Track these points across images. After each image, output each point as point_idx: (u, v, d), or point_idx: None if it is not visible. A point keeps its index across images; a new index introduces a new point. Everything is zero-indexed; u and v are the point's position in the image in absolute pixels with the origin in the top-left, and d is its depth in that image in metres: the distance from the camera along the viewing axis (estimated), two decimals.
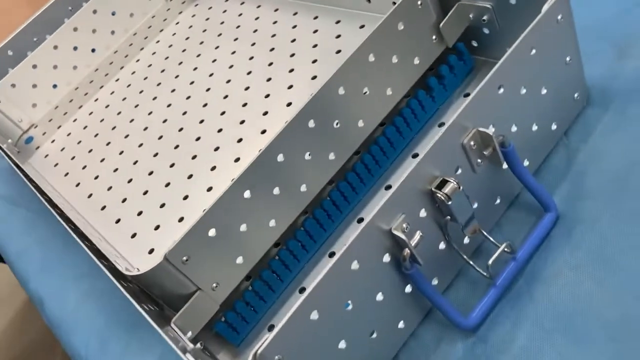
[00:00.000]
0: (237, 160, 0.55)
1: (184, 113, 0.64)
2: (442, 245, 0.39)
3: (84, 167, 0.66)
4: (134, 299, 0.41)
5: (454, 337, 0.39)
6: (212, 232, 0.41)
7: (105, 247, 0.49)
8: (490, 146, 0.38)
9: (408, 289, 0.38)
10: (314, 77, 0.57)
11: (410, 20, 0.47)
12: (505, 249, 0.39)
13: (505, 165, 0.39)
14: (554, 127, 0.44)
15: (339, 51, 0.58)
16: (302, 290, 0.46)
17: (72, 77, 0.80)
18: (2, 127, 0.76)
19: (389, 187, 0.48)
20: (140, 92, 0.71)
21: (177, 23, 0.79)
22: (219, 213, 0.41)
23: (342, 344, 0.36)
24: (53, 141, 0.75)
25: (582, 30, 0.43)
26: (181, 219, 0.53)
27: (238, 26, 0.70)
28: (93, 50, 0.81)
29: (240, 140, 0.56)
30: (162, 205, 0.55)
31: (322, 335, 0.35)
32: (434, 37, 0.49)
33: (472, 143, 0.37)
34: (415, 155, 0.49)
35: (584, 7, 0.48)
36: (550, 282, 0.38)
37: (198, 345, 0.41)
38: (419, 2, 0.47)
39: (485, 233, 0.39)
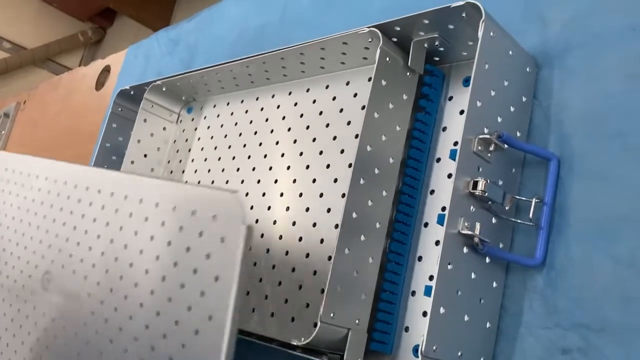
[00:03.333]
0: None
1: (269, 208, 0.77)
2: (494, 220, 0.54)
3: None
4: (313, 356, 0.57)
5: (532, 274, 0.54)
6: (339, 288, 0.56)
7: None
8: (491, 143, 0.53)
9: (487, 260, 0.53)
10: (356, 136, 0.65)
11: (388, 75, 0.61)
12: (536, 199, 0.54)
13: (506, 146, 0.54)
14: (524, 99, 0.58)
15: (363, 107, 0.62)
16: (413, 293, 0.61)
17: None
18: None
19: (432, 192, 0.63)
20: None
21: (199, 139, 0.94)
22: (337, 273, 0.56)
23: (465, 318, 0.51)
24: None
25: (509, 20, 0.57)
26: (300, 287, 0.68)
27: (284, 117, 0.78)
28: None
29: (329, 210, 0.68)
30: (279, 284, 0.71)
31: (451, 318, 0.50)
32: (408, 73, 0.64)
33: (479, 148, 0.52)
34: (438, 160, 0.64)
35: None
36: (576, 206, 0.53)
37: None
38: (387, 59, 0.62)
39: (517, 197, 0.54)
